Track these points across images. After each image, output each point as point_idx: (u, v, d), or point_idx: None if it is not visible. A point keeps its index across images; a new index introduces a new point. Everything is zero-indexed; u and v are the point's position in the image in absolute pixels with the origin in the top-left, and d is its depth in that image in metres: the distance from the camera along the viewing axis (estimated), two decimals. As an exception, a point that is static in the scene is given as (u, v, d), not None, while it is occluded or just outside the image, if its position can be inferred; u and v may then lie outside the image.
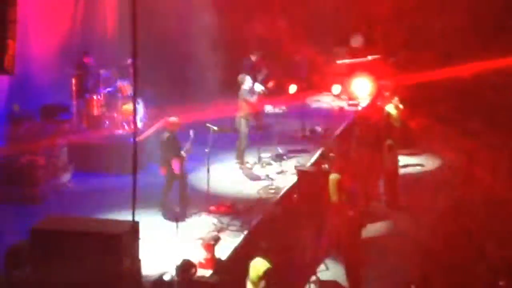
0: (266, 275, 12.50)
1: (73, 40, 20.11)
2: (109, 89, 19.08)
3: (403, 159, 20.19)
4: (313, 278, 15.33)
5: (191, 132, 15.49)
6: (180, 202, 15.51)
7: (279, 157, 18.74)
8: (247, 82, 18.36)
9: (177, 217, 14.43)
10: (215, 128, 16.18)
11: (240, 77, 18.54)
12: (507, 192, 17.40)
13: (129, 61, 18.15)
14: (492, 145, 20.08)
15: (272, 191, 16.99)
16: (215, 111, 18.39)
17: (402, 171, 19.66)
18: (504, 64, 22.58)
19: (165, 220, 15.19)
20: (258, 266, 12.66)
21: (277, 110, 20.49)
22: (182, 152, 15.41)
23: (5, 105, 17.88)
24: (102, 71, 19.18)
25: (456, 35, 24.50)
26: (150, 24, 19.25)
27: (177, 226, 13.91)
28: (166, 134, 15.57)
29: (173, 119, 15.63)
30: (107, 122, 18.93)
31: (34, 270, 11.96)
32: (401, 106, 21.14)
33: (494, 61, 22.63)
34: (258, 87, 18.85)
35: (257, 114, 19.72)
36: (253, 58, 21.25)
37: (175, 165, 15.28)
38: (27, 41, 17.99)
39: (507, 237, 15.60)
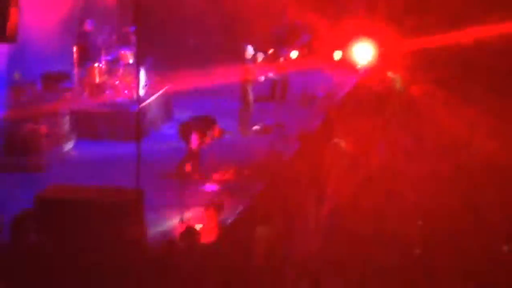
0: (269, 243, 12.61)
1: (74, 8, 20.01)
2: (110, 56, 19.07)
3: (402, 124, 20.18)
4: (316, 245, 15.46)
5: None
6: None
7: (280, 124, 18.80)
8: (248, 51, 18.32)
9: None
10: None
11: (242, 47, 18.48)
12: (508, 158, 17.42)
13: (131, 29, 18.14)
14: (493, 111, 20.04)
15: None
16: (217, 77, 18.38)
17: (401, 135, 19.66)
18: (506, 30, 22.45)
19: (168, 187, 15.20)
20: (263, 233, 12.76)
21: (277, 77, 20.50)
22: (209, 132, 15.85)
23: (6, 73, 17.78)
24: (103, 39, 19.15)
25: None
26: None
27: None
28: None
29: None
30: (109, 89, 18.93)
31: (39, 238, 12.06)
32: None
33: (497, 26, 22.51)
34: (260, 55, 18.82)
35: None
36: None
37: (194, 140, 15.48)
38: (29, 8, 17.90)
39: (508, 202, 15.67)
